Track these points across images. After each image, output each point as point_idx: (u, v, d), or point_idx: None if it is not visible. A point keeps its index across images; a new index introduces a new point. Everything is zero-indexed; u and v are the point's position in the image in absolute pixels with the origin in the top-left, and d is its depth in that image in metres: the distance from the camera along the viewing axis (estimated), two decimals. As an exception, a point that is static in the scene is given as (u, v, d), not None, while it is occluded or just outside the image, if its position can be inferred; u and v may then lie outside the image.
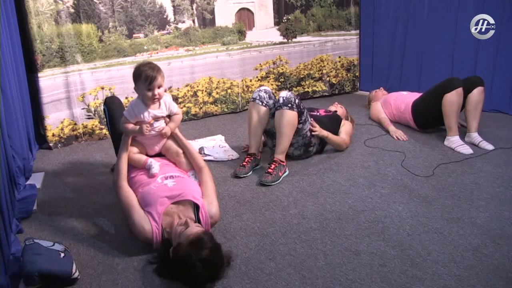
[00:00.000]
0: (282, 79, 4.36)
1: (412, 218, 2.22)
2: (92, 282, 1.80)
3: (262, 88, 2.94)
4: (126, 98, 3.55)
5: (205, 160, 2.97)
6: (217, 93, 4.03)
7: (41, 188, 2.66)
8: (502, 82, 3.79)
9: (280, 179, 2.69)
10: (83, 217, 2.32)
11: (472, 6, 3.78)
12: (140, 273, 1.85)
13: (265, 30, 4.21)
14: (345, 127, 3.18)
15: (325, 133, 2.97)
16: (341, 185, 2.61)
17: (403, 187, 2.55)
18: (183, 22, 3.78)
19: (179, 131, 2.33)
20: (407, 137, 3.31)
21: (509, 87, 3.78)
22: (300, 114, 2.76)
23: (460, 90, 3.05)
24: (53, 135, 3.35)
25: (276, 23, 4.25)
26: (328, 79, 4.62)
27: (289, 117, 2.70)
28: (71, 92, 3.37)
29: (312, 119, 2.95)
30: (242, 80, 4.14)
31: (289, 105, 2.70)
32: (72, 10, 3.26)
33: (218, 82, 4.02)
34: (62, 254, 1.79)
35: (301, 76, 4.48)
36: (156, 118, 2.19)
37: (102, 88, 3.50)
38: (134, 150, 2.24)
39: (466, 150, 3.00)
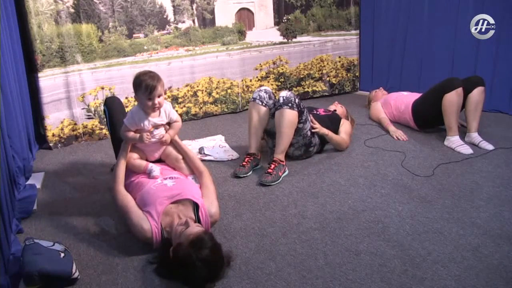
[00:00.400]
0: (282, 79, 4.36)
1: (412, 218, 2.23)
2: (92, 282, 1.80)
3: (262, 88, 2.95)
4: (126, 98, 3.55)
5: (205, 160, 3.01)
6: (217, 93, 4.03)
7: (41, 188, 2.66)
8: (502, 82, 3.79)
9: (280, 179, 2.69)
10: (83, 217, 2.32)
11: (472, 6, 3.78)
12: (140, 273, 1.85)
13: (265, 30, 4.21)
14: (345, 127, 3.18)
15: (325, 130, 2.98)
16: (341, 185, 2.61)
17: (403, 187, 2.56)
18: (183, 22, 3.78)
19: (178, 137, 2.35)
20: (407, 137, 3.31)
21: (509, 87, 3.78)
22: (300, 113, 2.76)
23: (460, 90, 3.05)
24: (53, 135, 3.35)
25: (276, 23, 4.25)
26: (328, 79, 4.62)
27: (289, 116, 2.71)
28: (71, 92, 3.37)
29: (311, 116, 2.96)
30: (242, 80, 4.14)
31: (289, 104, 2.70)
32: (72, 10, 3.26)
33: (218, 82, 4.02)
34: (62, 254, 1.79)
35: (301, 76, 4.48)
36: (156, 126, 2.20)
37: (102, 88, 3.50)
38: (134, 156, 2.25)
39: (466, 150, 3.00)
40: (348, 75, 4.72)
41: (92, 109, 3.48)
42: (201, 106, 3.98)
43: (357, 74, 4.76)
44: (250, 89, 4.19)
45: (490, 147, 3.03)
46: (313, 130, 2.91)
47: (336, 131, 3.13)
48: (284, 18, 4.27)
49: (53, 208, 2.42)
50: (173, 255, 1.76)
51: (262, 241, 2.06)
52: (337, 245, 2.02)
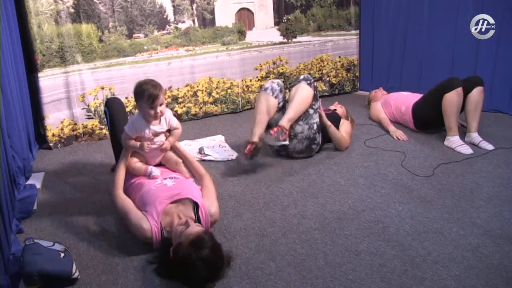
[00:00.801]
0: (282, 79, 4.36)
1: (412, 218, 2.23)
2: (92, 282, 1.80)
3: (275, 80, 2.96)
4: (126, 98, 3.55)
5: (205, 160, 3.01)
6: (217, 93, 4.03)
7: (41, 188, 2.66)
8: (502, 82, 3.79)
9: (279, 143, 2.68)
10: (83, 217, 2.32)
11: (472, 6, 3.78)
12: (140, 273, 1.85)
13: (265, 30, 4.21)
14: (345, 127, 3.18)
15: (328, 122, 3.01)
16: (341, 185, 2.61)
17: (403, 187, 2.56)
18: (183, 22, 3.78)
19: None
20: (407, 137, 3.31)
21: (509, 87, 3.78)
22: (315, 97, 2.85)
23: (460, 89, 3.05)
24: (53, 135, 3.35)
25: (276, 23, 4.25)
26: (328, 79, 4.62)
27: (305, 91, 2.80)
28: (71, 92, 3.37)
29: (320, 109, 3.00)
30: (242, 80, 4.14)
31: (308, 81, 2.81)
32: (72, 10, 3.26)
33: (218, 82, 4.02)
34: (62, 254, 1.79)
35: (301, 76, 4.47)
36: (156, 134, 2.22)
37: (102, 88, 3.50)
38: (134, 159, 2.27)
39: (466, 150, 3.00)
40: (348, 75, 4.72)
41: (92, 109, 3.48)
42: (201, 106, 3.98)
43: (357, 74, 4.76)
44: (250, 89, 4.19)
45: (490, 147, 3.03)
46: (319, 112, 2.93)
47: (336, 130, 3.13)
48: (284, 18, 4.27)
49: (53, 208, 2.42)
50: (173, 255, 1.76)
51: (262, 241, 2.06)
52: (337, 245, 2.02)
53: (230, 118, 4.00)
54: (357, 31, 4.64)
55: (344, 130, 3.15)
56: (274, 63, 4.30)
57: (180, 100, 3.87)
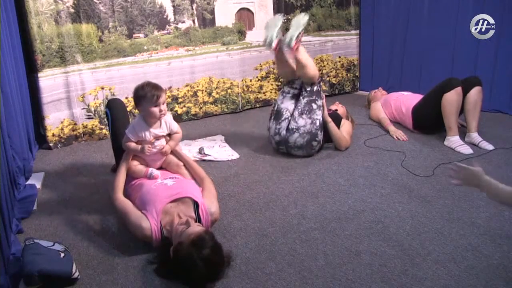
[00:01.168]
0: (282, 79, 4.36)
1: (412, 218, 2.23)
2: (92, 282, 1.80)
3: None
4: (126, 98, 3.55)
5: (205, 160, 3.02)
6: (217, 93, 4.03)
7: (41, 188, 2.66)
8: (502, 82, 3.79)
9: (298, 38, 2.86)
10: (83, 217, 2.32)
11: (472, 6, 3.78)
12: (140, 273, 1.85)
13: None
14: (345, 127, 3.18)
15: (329, 118, 3.02)
16: (341, 185, 2.61)
17: (403, 187, 2.55)
18: (183, 22, 3.78)
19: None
20: (407, 137, 3.31)
21: (509, 87, 3.78)
22: (318, 94, 2.95)
23: (459, 89, 3.06)
24: (53, 135, 3.35)
25: (276, 23, 4.24)
26: (328, 79, 4.62)
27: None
28: (71, 92, 3.37)
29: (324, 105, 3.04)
30: (242, 80, 4.14)
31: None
32: (72, 10, 3.26)
33: (218, 82, 4.02)
34: (62, 254, 1.79)
35: (301, 76, 4.47)
36: (157, 137, 2.23)
37: (102, 88, 3.50)
38: (135, 162, 2.28)
39: (466, 150, 3.00)
40: (348, 75, 4.72)
41: (92, 109, 3.48)
42: (201, 106, 3.98)
43: (357, 74, 4.76)
44: (250, 89, 4.19)
45: (490, 147, 3.03)
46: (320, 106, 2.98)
47: (337, 130, 3.13)
48: (284, 18, 4.26)
49: (53, 208, 2.43)
50: (173, 254, 1.76)
51: (262, 241, 2.06)
52: (337, 245, 2.02)
53: (230, 118, 4.00)
54: (357, 31, 4.64)
55: (344, 130, 3.15)
56: (274, 63, 4.29)
57: (180, 100, 3.87)
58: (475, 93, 3.09)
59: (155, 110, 2.12)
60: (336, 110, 3.34)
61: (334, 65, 4.61)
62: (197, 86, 3.94)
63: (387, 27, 4.43)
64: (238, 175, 2.79)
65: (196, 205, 2.02)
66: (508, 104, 3.81)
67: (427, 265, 1.85)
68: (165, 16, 3.70)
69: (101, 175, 2.85)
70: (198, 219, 1.98)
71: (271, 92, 4.31)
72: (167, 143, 2.28)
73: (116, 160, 2.49)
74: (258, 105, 4.26)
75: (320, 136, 2.97)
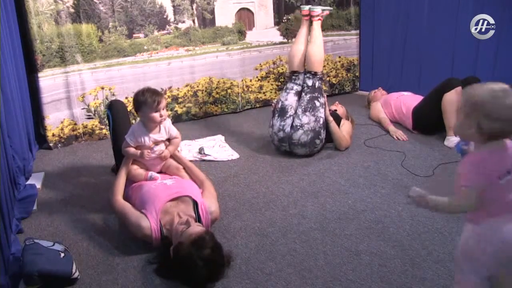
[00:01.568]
0: (282, 79, 4.36)
1: (412, 218, 2.23)
2: (92, 282, 1.80)
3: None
4: (126, 98, 3.55)
5: (205, 160, 3.02)
6: (217, 93, 4.03)
7: (41, 188, 2.66)
8: (502, 82, 3.77)
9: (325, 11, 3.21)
10: (83, 217, 2.32)
11: (472, 6, 3.78)
12: (140, 273, 1.85)
13: (265, 30, 4.21)
14: (345, 127, 3.18)
15: (331, 117, 3.03)
16: (341, 185, 2.61)
17: (403, 187, 2.55)
18: (183, 22, 3.78)
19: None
20: (407, 137, 3.31)
21: (509, 87, 3.77)
22: (320, 91, 3.03)
23: (459, 89, 3.06)
24: (53, 135, 3.35)
25: (276, 23, 4.24)
26: (328, 79, 4.62)
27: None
28: (71, 92, 3.37)
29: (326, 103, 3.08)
30: (242, 80, 4.14)
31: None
32: (72, 10, 3.26)
33: (218, 82, 4.02)
34: (62, 254, 1.80)
35: (301, 76, 4.47)
36: (156, 142, 2.24)
37: (102, 88, 3.50)
38: (135, 167, 2.29)
39: (466, 150, 2.99)
40: (348, 75, 4.72)
41: (92, 109, 3.48)
42: (201, 106, 3.98)
43: (357, 74, 4.76)
44: (250, 89, 4.19)
45: (490, 146, 3.02)
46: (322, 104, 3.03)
47: (336, 130, 3.14)
48: (284, 18, 4.26)
49: (53, 208, 2.43)
50: (173, 254, 1.76)
51: (262, 241, 2.06)
52: (337, 245, 2.02)
53: (230, 118, 4.00)
54: (357, 31, 4.64)
55: (344, 130, 3.15)
56: (274, 63, 4.29)
57: (180, 100, 3.87)
58: None
59: (155, 115, 2.13)
60: (336, 110, 3.34)
61: (334, 65, 4.61)
62: (197, 86, 3.93)
63: (387, 27, 4.43)
64: (238, 175, 2.79)
65: (195, 204, 2.02)
66: (508, 104, 3.80)
67: (427, 265, 1.85)
68: (165, 16, 3.70)
69: (101, 175, 2.85)
70: (198, 219, 1.99)
71: (271, 92, 4.31)
72: (166, 148, 2.29)
73: (116, 161, 2.49)
74: (258, 105, 4.26)
75: (323, 134, 2.98)
